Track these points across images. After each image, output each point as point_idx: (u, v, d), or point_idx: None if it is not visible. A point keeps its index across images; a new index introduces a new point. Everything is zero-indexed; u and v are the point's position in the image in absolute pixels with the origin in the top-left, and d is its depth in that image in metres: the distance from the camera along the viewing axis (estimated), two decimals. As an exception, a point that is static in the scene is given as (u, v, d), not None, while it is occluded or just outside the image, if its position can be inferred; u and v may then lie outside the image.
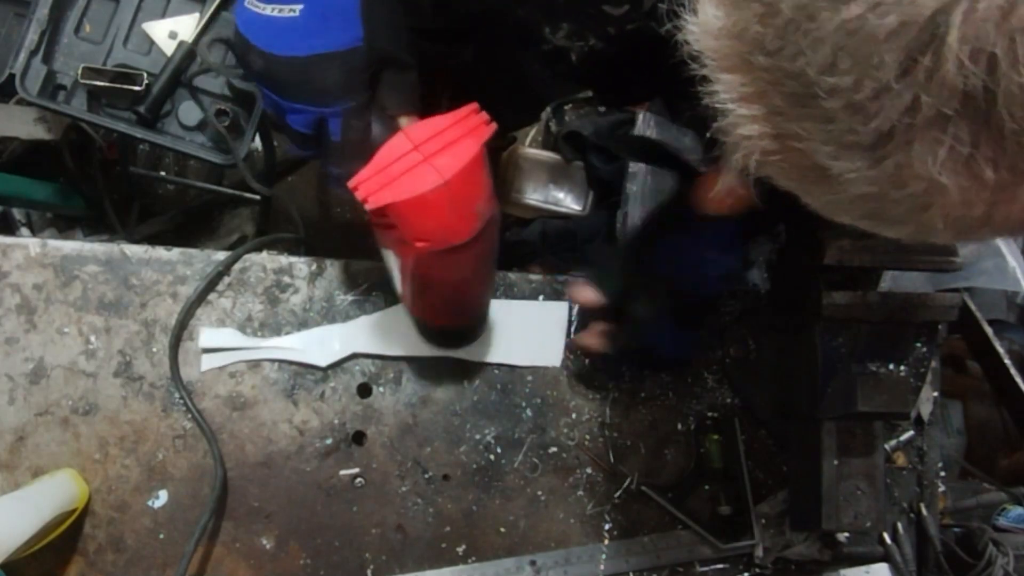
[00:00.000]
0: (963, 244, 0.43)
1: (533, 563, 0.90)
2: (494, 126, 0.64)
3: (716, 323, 0.98)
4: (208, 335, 0.88)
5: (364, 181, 0.61)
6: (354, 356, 0.90)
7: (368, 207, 0.61)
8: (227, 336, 0.88)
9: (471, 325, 0.87)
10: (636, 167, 1.46)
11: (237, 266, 0.90)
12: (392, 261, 0.74)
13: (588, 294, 0.83)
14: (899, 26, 0.31)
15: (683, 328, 0.84)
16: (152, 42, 0.91)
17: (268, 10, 0.64)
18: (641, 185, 1.44)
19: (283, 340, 0.89)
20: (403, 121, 0.69)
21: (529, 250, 1.45)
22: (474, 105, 0.65)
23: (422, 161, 0.61)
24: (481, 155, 0.63)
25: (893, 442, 0.99)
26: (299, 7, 0.64)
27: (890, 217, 0.39)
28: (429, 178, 0.60)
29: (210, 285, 0.88)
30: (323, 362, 0.89)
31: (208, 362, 0.88)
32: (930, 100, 0.32)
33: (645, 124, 0.96)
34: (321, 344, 0.89)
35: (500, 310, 0.93)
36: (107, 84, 0.88)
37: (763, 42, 0.36)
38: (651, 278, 0.81)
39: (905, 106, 0.32)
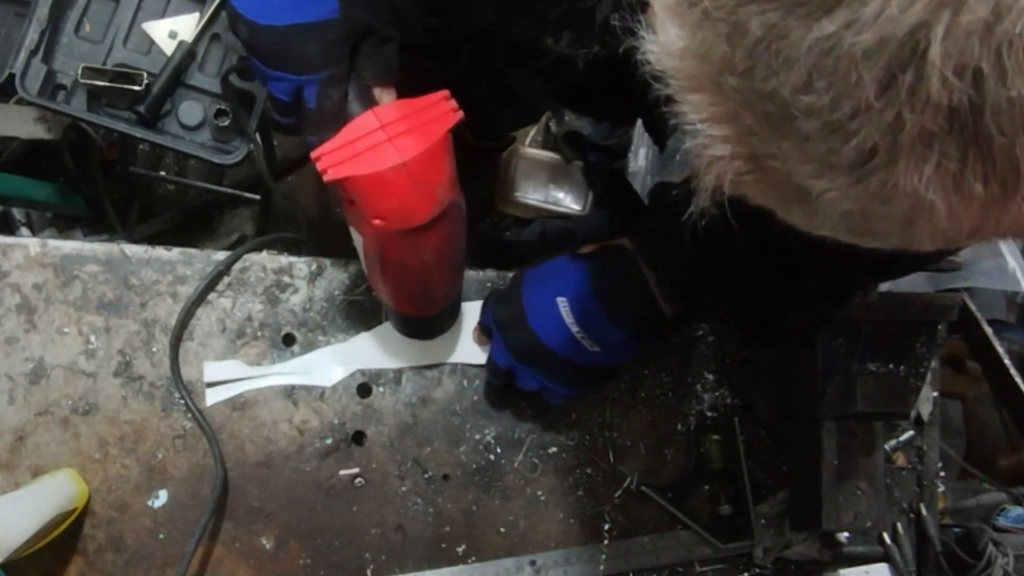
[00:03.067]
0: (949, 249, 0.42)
1: (533, 563, 0.90)
2: (461, 114, 0.65)
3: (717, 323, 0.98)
4: (212, 369, 0.88)
5: (327, 153, 0.63)
6: (356, 375, 0.90)
7: (326, 178, 0.62)
8: (231, 368, 0.88)
9: (436, 315, 0.86)
10: (636, 167, 1.46)
11: (237, 266, 0.90)
12: (357, 240, 0.74)
13: (479, 336, 0.91)
14: (877, 43, 0.30)
15: (549, 378, 0.83)
16: (152, 42, 0.91)
17: None
18: (641, 185, 1.44)
19: (286, 366, 0.89)
20: (378, 93, 0.70)
21: (529, 250, 1.45)
22: (445, 92, 0.66)
23: (386, 140, 0.62)
24: (445, 141, 0.64)
25: (893, 442, 0.99)
26: None
27: (874, 232, 0.37)
28: (390, 156, 0.62)
29: (210, 285, 0.88)
30: (328, 383, 0.89)
31: (213, 396, 0.88)
32: (913, 117, 0.30)
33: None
34: (324, 366, 0.90)
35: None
36: (107, 84, 0.88)
37: (731, 62, 0.34)
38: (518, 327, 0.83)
39: (887, 124, 0.31)
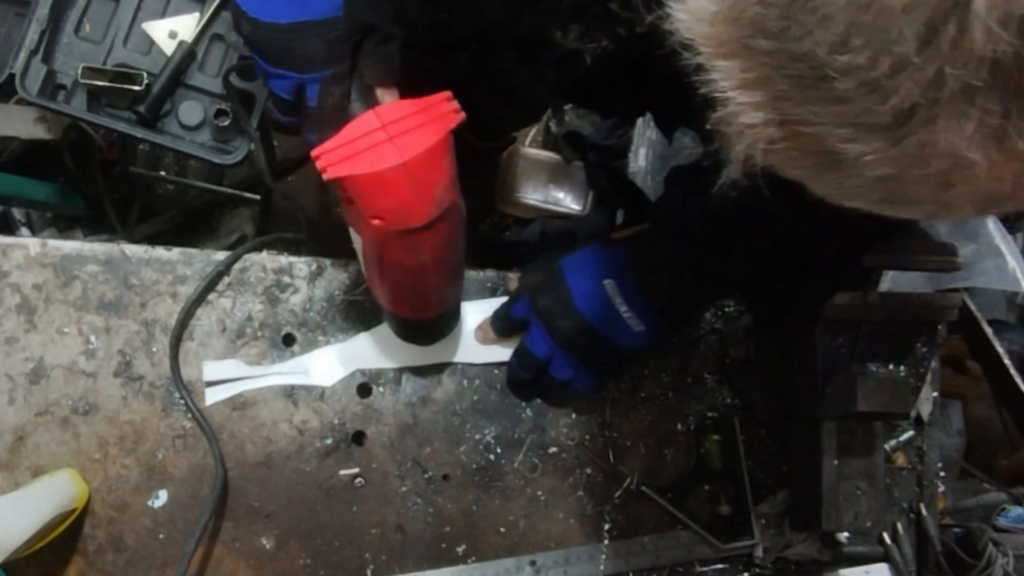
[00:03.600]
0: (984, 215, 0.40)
1: (533, 563, 0.90)
2: (463, 115, 0.65)
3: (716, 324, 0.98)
4: (211, 368, 0.88)
5: (327, 152, 0.62)
6: (356, 375, 0.90)
7: (325, 177, 0.62)
8: (230, 368, 0.88)
9: (435, 320, 0.86)
10: (636, 167, 1.46)
11: (237, 266, 0.90)
12: (356, 241, 0.74)
13: (488, 334, 0.91)
14: None
15: (586, 363, 0.86)
16: (152, 42, 0.92)
17: None
18: (641, 184, 1.44)
19: (285, 365, 0.89)
20: (380, 92, 0.70)
21: (529, 250, 1.45)
22: (447, 93, 0.66)
23: (386, 140, 0.62)
24: (446, 141, 0.64)
25: (893, 442, 0.99)
26: None
27: (909, 198, 0.37)
28: (389, 156, 0.61)
29: (210, 285, 0.88)
30: (327, 383, 0.89)
31: (213, 395, 0.88)
32: (956, 72, 0.29)
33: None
34: (324, 366, 0.89)
35: (492, 309, 0.92)
36: (107, 84, 0.88)
37: (764, 24, 0.33)
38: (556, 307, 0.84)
39: (928, 80, 0.30)
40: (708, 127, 0.39)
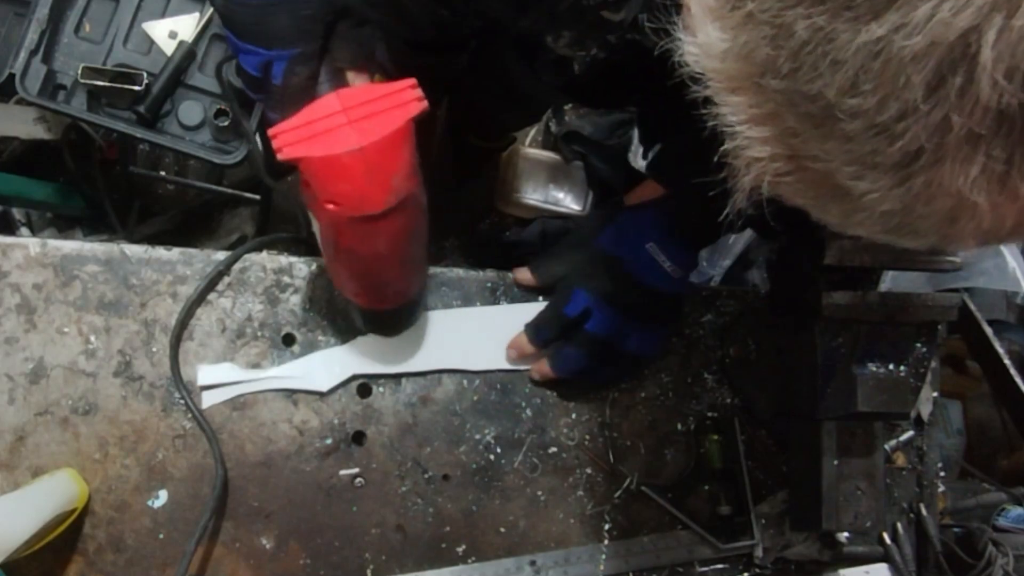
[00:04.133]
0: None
1: (533, 563, 0.90)
2: (426, 104, 0.64)
3: (715, 323, 0.98)
4: (206, 372, 0.88)
5: (284, 132, 0.62)
6: (354, 377, 0.90)
7: (280, 157, 0.61)
8: (225, 371, 0.88)
9: (394, 310, 0.85)
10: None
11: (237, 266, 0.90)
12: (315, 225, 0.73)
13: (526, 275, 0.92)
14: (927, 47, 0.30)
15: (647, 324, 0.88)
16: (152, 42, 0.91)
17: None
18: (641, 185, 1.43)
19: (282, 369, 0.89)
20: (351, 76, 0.69)
21: (529, 250, 1.45)
22: (412, 80, 0.65)
23: (345, 124, 0.61)
24: (406, 129, 0.63)
25: (893, 442, 0.99)
26: None
27: (914, 231, 0.37)
28: (347, 140, 0.61)
29: (210, 285, 0.88)
30: (324, 387, 0.89)
31: (209, 398, 0.88)
32: (961, 119, 0.30)
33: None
34: (320, 370, 0.89)
35: (498, 315, 0.92)
36: (107, 84, 0.88)
37: (775, 64, 0.34)
38: (601, 260, 0.87)
39: (934, 126, 0.31)
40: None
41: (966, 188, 0.32)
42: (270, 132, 0.62)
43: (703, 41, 0.37)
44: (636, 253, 0.86)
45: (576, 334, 0.88)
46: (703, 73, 0.38)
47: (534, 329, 0.90)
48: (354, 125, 0.61)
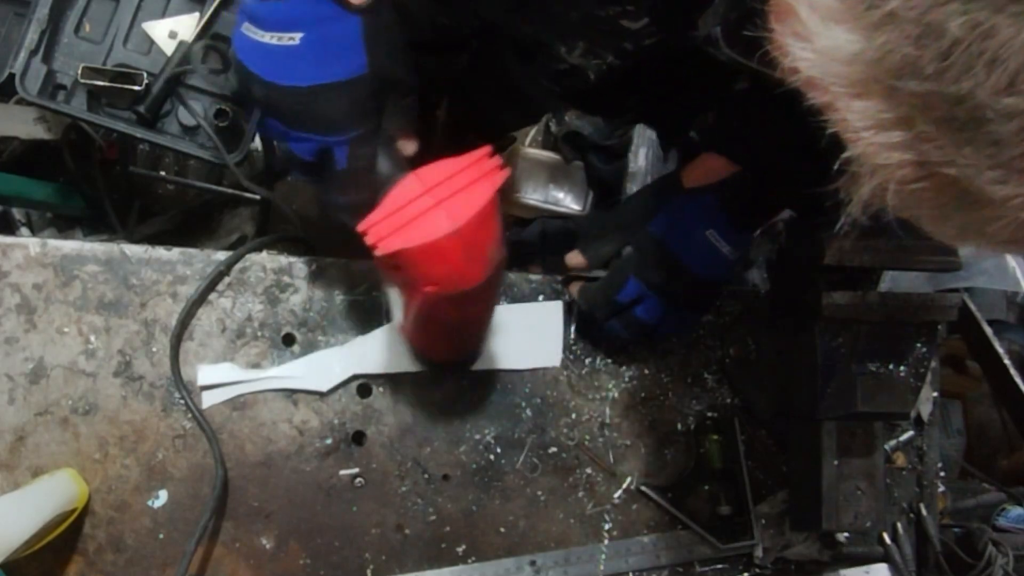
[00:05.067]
0: None
1: (533, 563, 0.90)
2: (508, 172, 0.62)
3: (716, 323, 0.98)
4: (206, 372, 0.87)
5: (374, 225, 0.59)
6: (354, 377, 0.90)
7: (378, 253, 0.59)
8: (225, 371, 0.88)
9: (472, 356, 0.88)
10: (636, 167, 1.46)
11: (237, 266, 0.90)
12: (394, 297, 0.73)
13: (577, 259, 0.89)
14: None
15: (690, 311, 0.88)
16: (152, 42, 0.91)
17: (267, 38, 0.63)
18: (641, 184, 1.44)
19: (282, 369, 0.89)
20: (402, 144, 0.68)
21: (529, 250, 1.45)
22: (487, 148, 0.63)
23: (434, 206, 0.59)
24: (494, 200, 0.61)
25: (893, 442, 0.99)
26: (299, 35, 0.62)
27: None
28: (441, 224, 0.58)
29: (210, 285, 0.88)
30: (324, 387, 0.89)
31: (209, 398, 0.88)
32: None
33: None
34: (320, 370, 0.89)
35: (498, 314, 0.92)
36: (107, 84, 0.87)
37: (917, 65, 0.32)
38: (648, 244, 0.85)
39: None
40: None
41: None
42: (360, 228, 0.60)
43: (825, 46, 0.35)
44: (693, 241, 0.84)
45: (625, 315, 0.87)
46: (821, 78, 0.36)
47: (586, 309, 0.90)
48: (443, 206, 0.59)
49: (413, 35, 0.70)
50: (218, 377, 0.88)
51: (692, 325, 0.95)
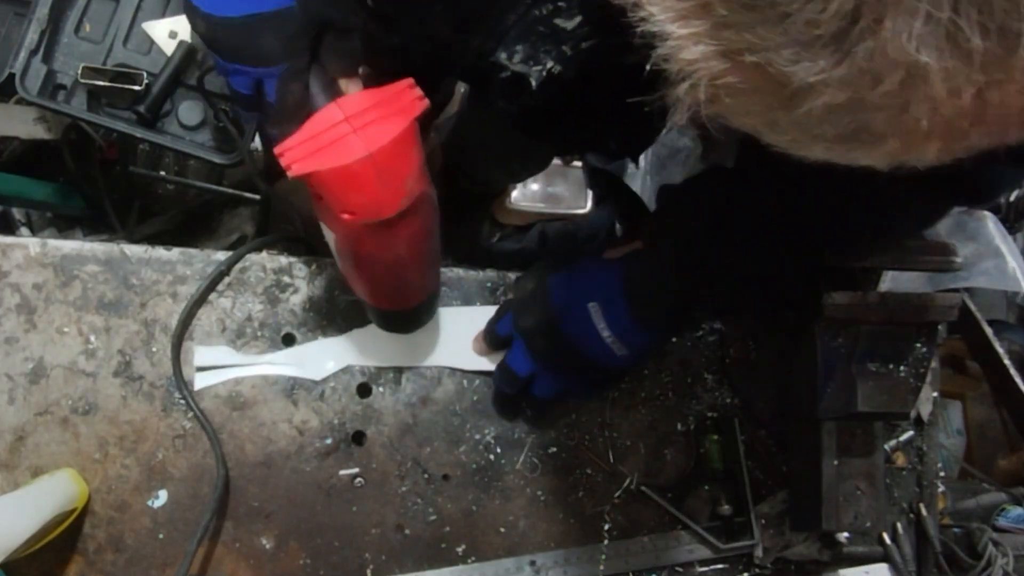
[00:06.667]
0: (951, 156, 0.37)
1: (533, 563, 0.90)
2: (427, 102, 0.64)
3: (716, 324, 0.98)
4: (202, 353, 0.88)
5: (290, 148, 0.61)
6: (353, 377, 0.90)
7: (291, 174, 0.61)
8: (221, 354, 0.88)
9: (414, 309, 0.85)
10: (636, 168, 1.46)
11: (237, 266, 0.90)
12: (329, 236, 0.73)
13: (482, 346, 0.91)
14: None
15: (593, 388, 0.87)
16: (152, 42, 0.91)
17: None
18: (641, 185, 1.44)
19: (277, 355, 0.89)
20: (344, 84, 0.69)
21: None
22: (410, 80, 0.65)
23: (351, 132, 0.61)
24: (411, 130, 0.63)
25: (893, 442, 0.99)
26: None
27: (869, 131, 0.35)
28: (355, 149, 0.60)
29: (210, 285, 0.88)
30: (318, 376, 0.89)
31: (202, 380, 0.88)
32: None
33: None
34: (315, 359, 0.89)
35: (490, 315, 0.92)
36: (107, 84, 0.88)
37: None
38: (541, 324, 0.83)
39: None
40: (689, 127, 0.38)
41: (911, 48, 0.30)
42: (276, 150, 0.62)
43: None
44: (575, 310, 0.81)
45: (525, 396, 0.87)
46: None
47: (484, 331, 0.90)
48: (359, 133, 0.61)
49: (374, 62, 0.70)
50: (213, 359, 0.88)
51: (577, 398, 0.91)
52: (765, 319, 0.94)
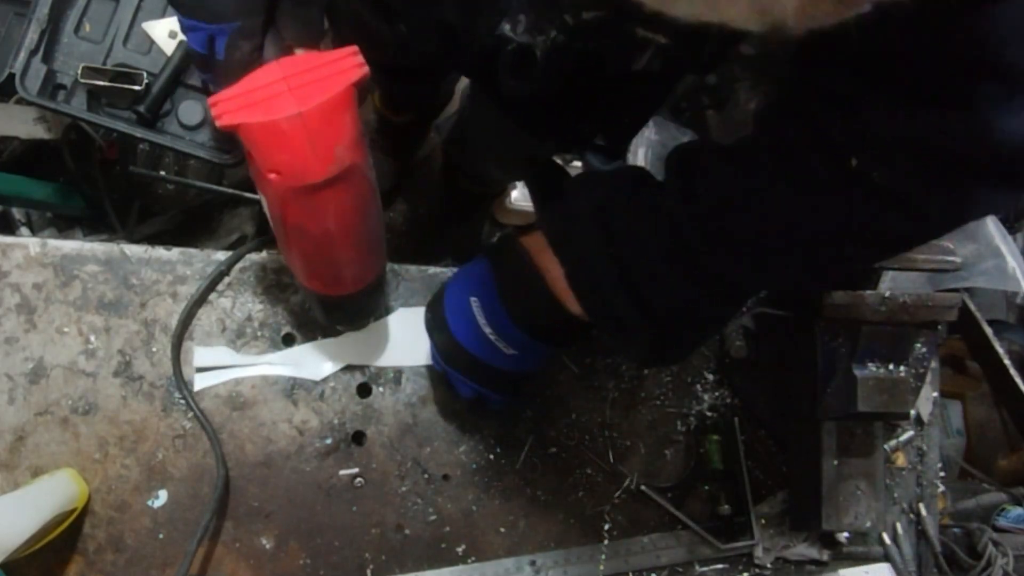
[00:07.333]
0: (810, 21, 0.36)
1: (533, 563, 0.90)
2: (367, 70, 0.63)
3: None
4: (201, 354, 0.88)
5: (224, 100, 0.61)
6: (351, 372, 0.90)
7: (219, 124, 0.60)
8: (220, 354, 0.88)
9: (351, 297, 0.81)
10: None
11: (237, 266, 0.90)
12: (264, 204, 0.73)
13: None
14: None
15: (498, 392, 0.82)
16: (152, 42, 0.91)
17: None
18: (641, 185, 1.43)
19: (276, 356, 0.89)
20: (300, 52, 0.69)
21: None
22: (354, 48, 0.64)
23: (286, 91, 0.61)
24: (347, 95, 0.62)
25: (893, 442, 0.99)
26: None
27: None
28: (286, 106, 0.60)
29: (210, 285, 0.88)
30: (317, 376, 0.89)
31: (202, 381, 0.88)
32: None
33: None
34: (314, 359, 0.89)
35: None
36: (107, 84, 0.88)
37: None
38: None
39: None
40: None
41: None
42: (209, 100, 0.61)
43: None
44: (461, 304, 0.78)
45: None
46: None
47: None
48: (294, 92, 0.60)
49: (380, 57, 0.69)
50: (213, 359, 0.88)
51: (494, 401, 0.83)
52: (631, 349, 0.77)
